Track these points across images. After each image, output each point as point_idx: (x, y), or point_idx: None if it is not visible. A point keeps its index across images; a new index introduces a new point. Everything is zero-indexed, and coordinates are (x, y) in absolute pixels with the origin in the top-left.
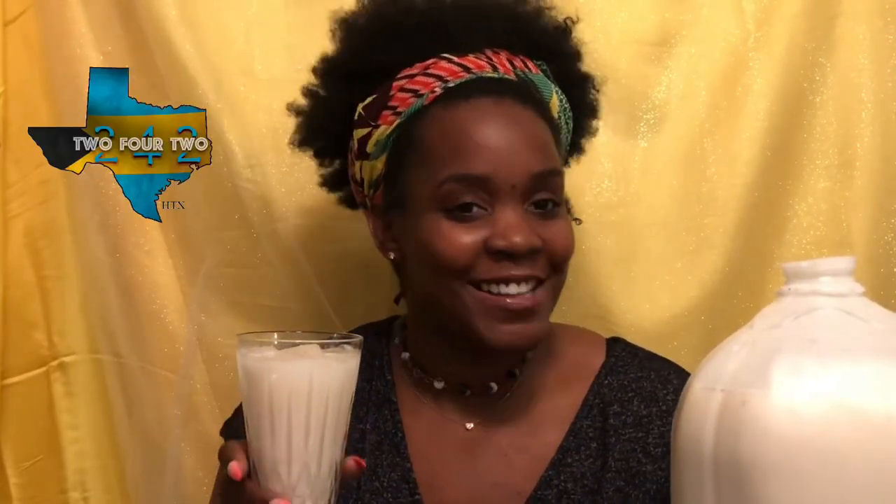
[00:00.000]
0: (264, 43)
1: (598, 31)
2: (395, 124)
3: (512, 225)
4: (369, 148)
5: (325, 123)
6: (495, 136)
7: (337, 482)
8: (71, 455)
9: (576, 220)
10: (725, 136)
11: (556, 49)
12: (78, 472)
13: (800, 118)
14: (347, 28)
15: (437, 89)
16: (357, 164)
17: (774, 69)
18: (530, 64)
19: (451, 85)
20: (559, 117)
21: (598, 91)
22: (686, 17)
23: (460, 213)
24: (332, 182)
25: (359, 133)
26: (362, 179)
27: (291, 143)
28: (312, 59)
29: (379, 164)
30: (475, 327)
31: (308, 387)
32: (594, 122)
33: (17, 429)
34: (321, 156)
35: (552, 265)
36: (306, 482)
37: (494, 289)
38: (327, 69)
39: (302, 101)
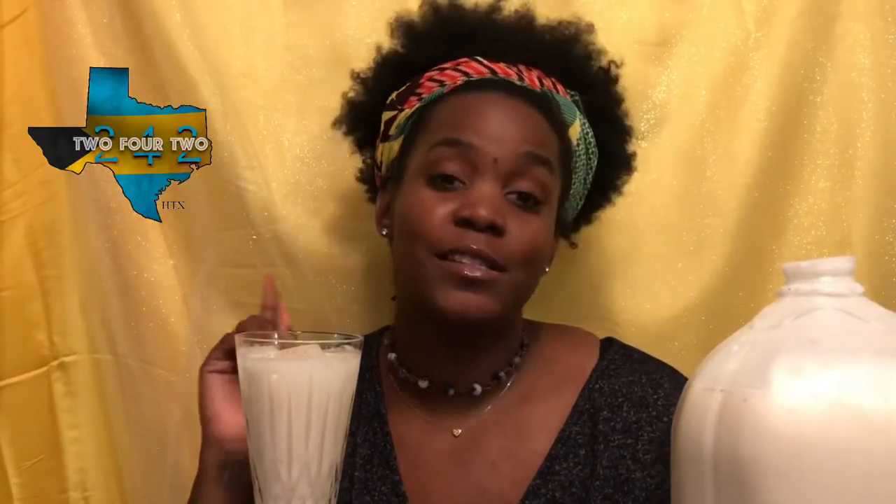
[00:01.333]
0: (265, 44)
1: (599, 32)
2: (415, 108)
3: (481, 197)
4: (392, 130)
5: (369, 113)
6: (491, 116)
7: (337, 483)
8: (71, 455)
9: (572, 244)
10: (726, 135)
11: (600, 86)
12: (78, 472)
13: (800, 118)
14: (405, 28)
15: (458, 81)
16: (380, 147)
17: (775, 69)
18: (560, 87)
19: (472, 79)
20: (578, 144)
21: (628, 142)
22: (686, 17)
23: (441, 182)
24: (371, 179)
25: (386, 115)
26: (381, 163)
27: (335, 125)
28: (312, 59)
29: (396, 146)
30: (430, 294)
31: (308, 387)
32: (625, 177)
33: (17, 429)
34: (362, 146)
35: (512, 259)
36: (307, 482)
37: (451, 256)
38: (380, 62)
39: (352, 93)
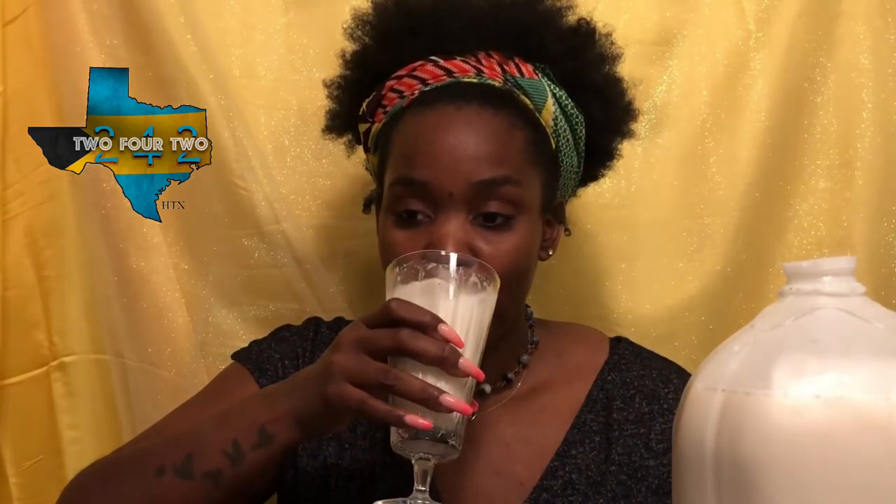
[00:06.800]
0: (265, 44)
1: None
2: (383, 122)
3: (443, 234)
4: (370, 143)
5: (351, 121)
6: (442, 143)
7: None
8: (71, 455)
9: (566, 231)
10: (726, 136)
11: (567, 53)
12: (78, 471)
13: (801, 118)
14: (362, 27)
15: (416, 92)
16: (367, 157)
17: (775, 69)
18: (526, 68)
19: (427, 89)
20: (554, 123)
21: (625, 93)
22: (687, 17)
23: (406, 219)
24: None
25: (362, 127)
26: (372, 174)
27: (325, 133)
28: (313, 59)
29: (375, 160)
30: None
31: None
32: (630, 127)
33: (17, 429)
34: (358, 143)
35: None
36: (450, 383)
37: None
38: (345, 65)
39: (333, 94)
